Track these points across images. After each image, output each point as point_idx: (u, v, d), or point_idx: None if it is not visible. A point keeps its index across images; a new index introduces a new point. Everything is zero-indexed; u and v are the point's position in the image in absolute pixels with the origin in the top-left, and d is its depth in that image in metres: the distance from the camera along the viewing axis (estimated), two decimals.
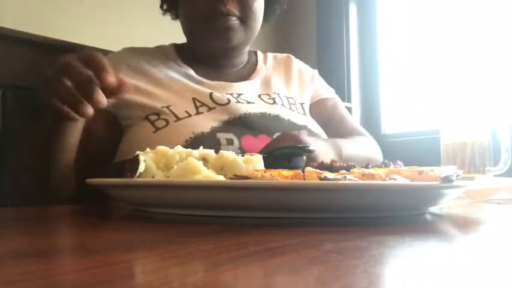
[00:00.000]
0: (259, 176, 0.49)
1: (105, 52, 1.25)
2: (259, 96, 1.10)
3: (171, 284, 0.26)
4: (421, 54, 1.97)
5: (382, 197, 0.48)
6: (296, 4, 2.19)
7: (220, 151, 0.59)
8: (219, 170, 0.56)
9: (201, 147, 0.62)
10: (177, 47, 1.17)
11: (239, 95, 1.07)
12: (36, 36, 1.16)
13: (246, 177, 0.48)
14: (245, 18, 1.04)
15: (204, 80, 1.08)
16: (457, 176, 0.48)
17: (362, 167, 0.57)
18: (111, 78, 0.66)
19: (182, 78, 1.07)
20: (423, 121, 1.90)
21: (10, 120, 1.06)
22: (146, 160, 0.57)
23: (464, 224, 0.53)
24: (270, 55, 1.26)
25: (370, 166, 0.58)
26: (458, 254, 0.35)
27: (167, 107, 0.98)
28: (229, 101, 1.03)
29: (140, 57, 1.09)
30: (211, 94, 1.03)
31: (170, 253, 0.34)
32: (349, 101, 2.02)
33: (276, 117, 1.04)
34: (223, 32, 1.03)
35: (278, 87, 1.16)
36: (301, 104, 1.17)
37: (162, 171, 0.57)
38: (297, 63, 1.27)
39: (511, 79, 1.71)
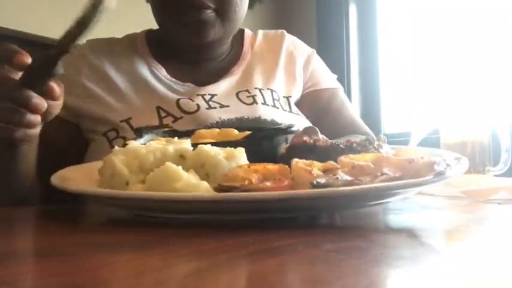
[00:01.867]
0: (245, 183, 0.46)
1: None
2: (237, 94, 0.96)
3: (171, 284, 0.26)
4: (421, 54, 1.97)
5: (373, 197, 0.47)
6: (296, 5, 2.19)
7: (199, 146, 0.53)
8: (199, 168, 0.51)
9: (176, 138, 0.57)
10: (149, 37, 1.03)
11: (212, 96, 0.94)
12: (36, 36, 1.16)
13: (233, 188, 0.45)
14: (222, 10, 0.90)
15: (174, 82, 0.96)
16: (448, 166, 0.47)
17: (346, 145, 0.55)
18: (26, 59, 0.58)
19: (149, 79, 0.96)
20: (423, 121, 1.90)
21: None
22: (117, 164, 0.52)
23: (464, 224, 0.53)
24: (260, 33, 1.09)
25: (355, 145, 0.56)
26: (458, 254, 0.35)
27: (126, 121, 0.88)
28: (198, 107, 0.90)
29: (105, 56, 0.97)
30: (178, 100, 0.91)
31: (170, 253, 0.34)
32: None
33: (257, 120, 0.91)
34: (196, 26, 0.90)
35: (261, 79, 1.02)
36: (287, 97, 1.02)
37: (135, 175, 0.52)
38: (289, 43, 1.09)
39: (511, 79, 1.70)
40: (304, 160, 0.49)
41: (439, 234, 0.45)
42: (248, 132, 0.66)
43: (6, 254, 0.34)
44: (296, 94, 1.05)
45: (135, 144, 0.56)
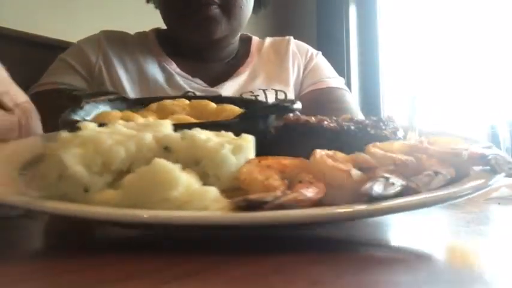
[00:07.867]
0: (277, 194, 0.35)
1: None
2: (241, 95, 0.98)
3: (170, 283, 0.26)
4: (421, 54, 1.97)
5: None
6: (296, 5, 2.19)
7: (187, 132, 0.40)
8: (193, 165, 0.38)
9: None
10: (159, 36, 1.04)
11: None
12: (36, 36, 1.16)
13: (263, 202, 0.34)
14: (228, 5, 0.91)
15: (183, 76, 0.98)
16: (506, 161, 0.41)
17: (358, 127, 0.47)
18: None
19: (159, 78, 0.98)
20: (423, 120, 1.90)
21: None
22: (68, 161, 0.35)
23: (464, 224, 0.53)
24: (268, 40, 1.11)
25: (368, 128, 0.47)
26: (458, 253, 0.35)
27: None
28: None
29: (118, 49, 0.99)
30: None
31: (165, 253, 0.34)
32: None
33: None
34: (203, 23, 0.91)
35: (266, 80, 1.03)
36: (294, 95, 1.04)
37: (99, 176, 0.36)
38: (294, 46, 1.10)
39: (510, 78, 1.70)
40: (326, 151, 0.40)
41: (439, 234, 0.45)
42: (233, 108, 0.53)
43: (7, 254, 0.34)
44: (293, 91, 1.06)
45: (92, 128, 0.39)
